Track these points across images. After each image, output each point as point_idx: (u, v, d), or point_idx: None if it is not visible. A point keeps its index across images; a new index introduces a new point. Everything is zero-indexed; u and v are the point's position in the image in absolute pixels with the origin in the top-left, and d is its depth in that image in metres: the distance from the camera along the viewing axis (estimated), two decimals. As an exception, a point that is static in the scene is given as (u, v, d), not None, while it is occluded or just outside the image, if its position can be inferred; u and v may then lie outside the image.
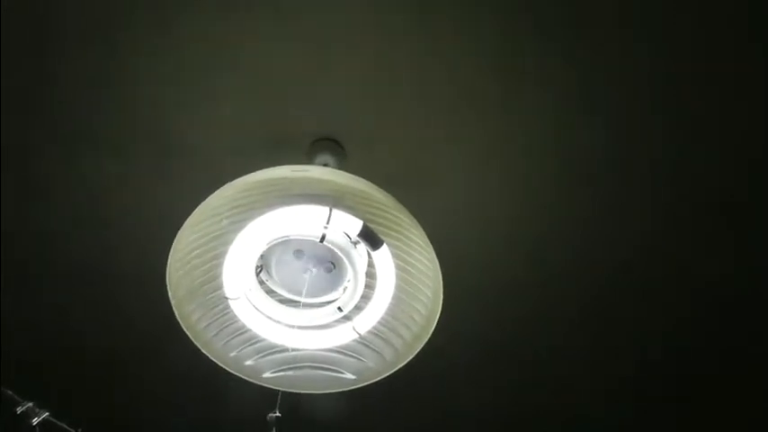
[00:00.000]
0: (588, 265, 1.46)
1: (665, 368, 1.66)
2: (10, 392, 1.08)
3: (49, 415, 1.07)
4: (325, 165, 1.23)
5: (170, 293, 1.06)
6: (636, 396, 1.74)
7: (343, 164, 1.26)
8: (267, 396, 1.10)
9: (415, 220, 1.03)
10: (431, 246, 1.04)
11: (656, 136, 1.25)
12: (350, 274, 1.07)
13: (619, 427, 1.81)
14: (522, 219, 1.40)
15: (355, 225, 1.02)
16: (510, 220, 1.40)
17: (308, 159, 1.26)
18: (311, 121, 1.26)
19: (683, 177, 1.31)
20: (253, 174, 1.01)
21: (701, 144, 1.26)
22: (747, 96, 1.19)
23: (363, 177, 1.02)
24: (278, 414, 1.03)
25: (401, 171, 1.32)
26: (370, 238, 1.03)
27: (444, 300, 1.07)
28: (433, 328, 1.09)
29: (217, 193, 1.02)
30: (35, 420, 1.07)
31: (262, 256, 1.07)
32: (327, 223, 1.02)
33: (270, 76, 1.21)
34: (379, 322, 1.10)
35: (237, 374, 1.13)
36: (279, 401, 1.06)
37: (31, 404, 1.08)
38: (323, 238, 1.03)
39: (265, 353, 1.12)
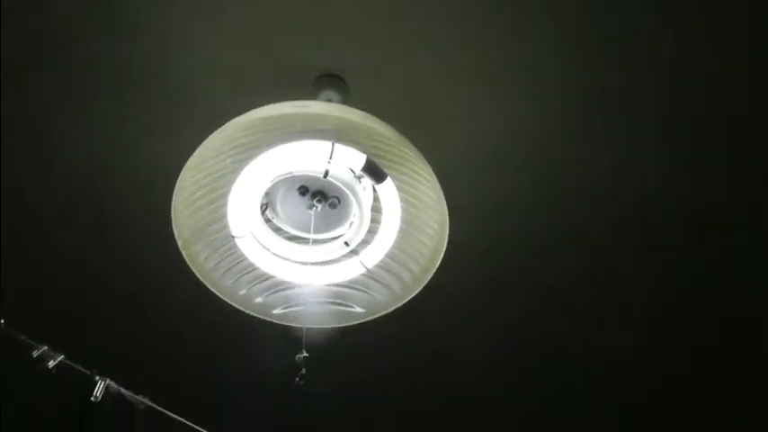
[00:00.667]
0: (598, 192, 1.46)
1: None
2: (24, 337, 1.09)
3: (65, 358, 1.08)
4: (329, 101, 1.22)
5: (176, 234, 1.06)
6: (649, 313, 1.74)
7: (347, 99, 1.24)
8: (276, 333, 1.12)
9: (419, 153, 1.03)
10: (435, 178, 1.04)
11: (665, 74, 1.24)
12: (355, 208, 1.08)
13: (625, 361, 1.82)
14: (532, 155, 1.39)
15: (359, 159, 1.02)
16: (516, 153, 1.39)
17: (312, 96, 1.24)
18: (314, 57, 1.24)
19: (698, 117, 1.30)
20: (254, 111, 1.00)
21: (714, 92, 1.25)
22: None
23: (367, 112, 1.01)
24: (306, 354, 1.04)
25: (405, 105, 1.30)
26: (374, 171, 1.03)
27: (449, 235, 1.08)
28: (440, 260, 1.10)
29: (218, 131, 1.01)
30: (51, 363, 1.08)
31: (266, 193, 1.08)
32: (330, 158, 1.01)
33: (271, 11, 1.18)
34: (386, 255, 1.11)
35: (248, 312, 1.14)
36: (304, 340, 1.08)
37: (46, 347, 1.09)
38: (326, 174, 1.03)
39: (274, 290, 1.13)
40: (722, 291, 1.63)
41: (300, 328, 1.11)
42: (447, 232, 1.08)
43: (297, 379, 1.00)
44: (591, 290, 1.65)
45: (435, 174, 1.03)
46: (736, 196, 1.43)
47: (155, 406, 1.04)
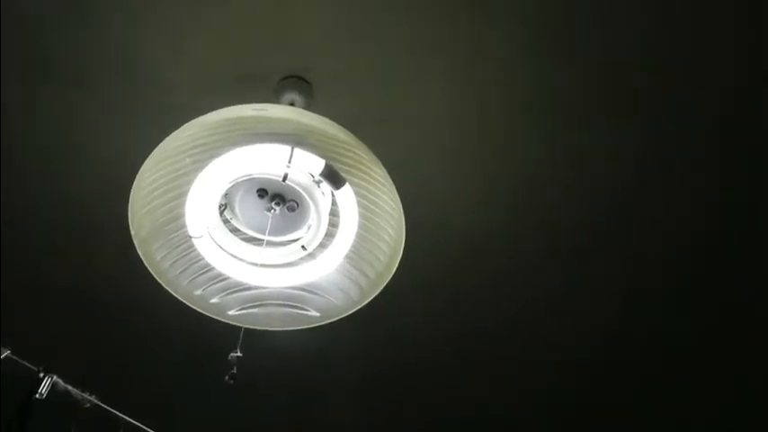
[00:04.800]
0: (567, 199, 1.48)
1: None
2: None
3: (11, 353, 1.06)
4: (292, 103, 1.22)
5: (132, 232, 1.06)
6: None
7: (311, 102, 1.25)
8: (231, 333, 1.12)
9: (377, 159, 1.03)
10: (393, 184, 1.05)
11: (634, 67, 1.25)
12: (313, 212, 1.08)
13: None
14: (487, 154, 1.40)
15: (318, 164, 1.02)
16: (476, 156, 1.40)
17: (276, 97, 1.24)
18: (278, 58, 1.24)
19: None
20: (215, 112, 1.00)
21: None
22: None
23: (330, 116, 1.02)
24: (239, 354, 1.04)
25: (368, 108, 1.31)
26: (333, 177, 1.03)
27: (407, 238, 1.09)
28: (396, 266, 1.11)
29: (178, 131, 1.00)
30: (-5, 359, 1.07)
31: (225, 194, 1.08)
32: (289, 162, 1.02)
33: (237, 12, 1.18)
34: (343, 260, 1.11)
35: (203, 312, 1.14)
36: (241, 340, 1.07)
37: (-8, 344, 1.08)
38: (285, 177, 1.03)
39: (230, 291, 1.13)
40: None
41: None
42: (403, 237, 1.09)
43: (227, 378, 0.99)
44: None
45: (395, 178, 1.05)
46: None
47: (102, 404, 1.03)
